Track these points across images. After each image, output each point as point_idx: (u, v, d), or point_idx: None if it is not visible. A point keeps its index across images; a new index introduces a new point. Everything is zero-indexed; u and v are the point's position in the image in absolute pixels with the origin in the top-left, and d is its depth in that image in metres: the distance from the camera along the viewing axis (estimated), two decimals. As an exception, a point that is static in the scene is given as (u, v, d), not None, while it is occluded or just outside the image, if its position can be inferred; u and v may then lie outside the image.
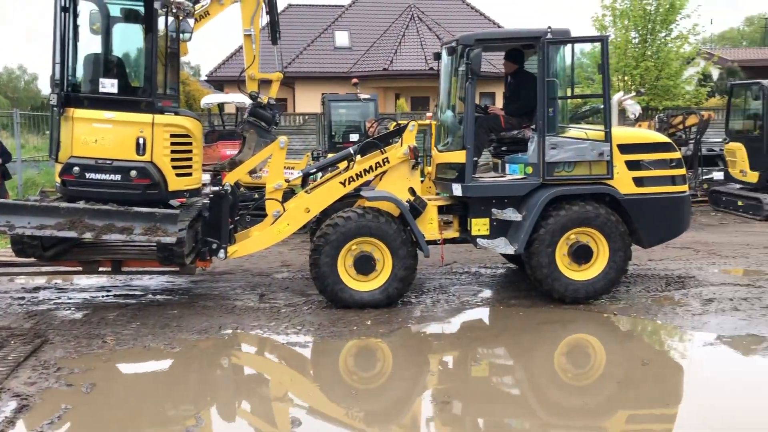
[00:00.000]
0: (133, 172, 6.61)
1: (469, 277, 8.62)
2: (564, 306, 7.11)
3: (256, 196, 10.51)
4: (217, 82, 28.69)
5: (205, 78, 31.32)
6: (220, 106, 17.96)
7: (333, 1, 32.88)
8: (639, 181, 7.27)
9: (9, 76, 68.11)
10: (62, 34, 6.59)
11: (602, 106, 7.39)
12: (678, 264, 9.06)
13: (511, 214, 7.19)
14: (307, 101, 26.02)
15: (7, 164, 11.80)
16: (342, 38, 29.11)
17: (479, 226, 7.33)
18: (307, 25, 30.71)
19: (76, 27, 6.71)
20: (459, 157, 7.28)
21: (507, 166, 7.64)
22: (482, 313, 7.27)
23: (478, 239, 7.33)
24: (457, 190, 7.30)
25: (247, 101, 8.19)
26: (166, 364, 5.81)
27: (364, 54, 28.03)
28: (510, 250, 7.15)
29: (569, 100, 8.64)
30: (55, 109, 6.64)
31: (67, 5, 6.59)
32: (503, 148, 8.00)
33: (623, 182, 7.20)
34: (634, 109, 15.31)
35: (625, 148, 7.24)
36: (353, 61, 27.79)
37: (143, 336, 6.25)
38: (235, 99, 15.82)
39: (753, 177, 13.59)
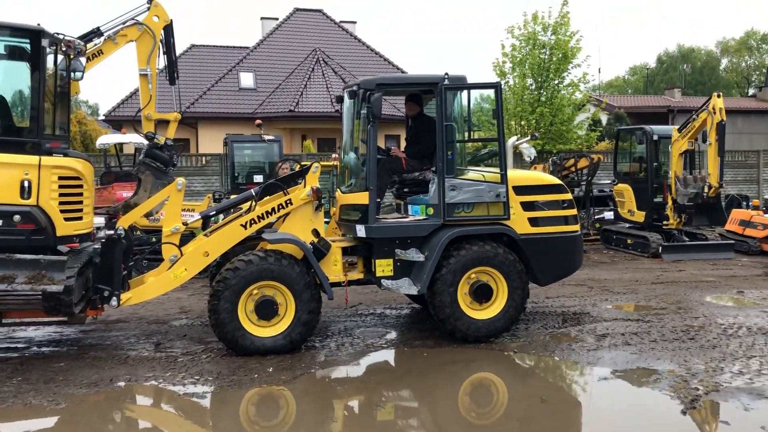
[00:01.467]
0: (17, 217, 6.22)
1: (374, 318, 8.60)
2: (467, 345, 7.20)
3: (153, 239, 10.17)
4: (116, 122, 27.75)
5: (103, 117, 30.26)
6: (118, 146, 17.35)
7: (237, 42, 32.77)
8: (534, 221, 7.54)
9: None
10: (-61, 71, 6.19)
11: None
12: (573, 301, 9.41)
13: (413, 255, 7.26)
14: (211, 142, 25.59)
15: None
16: (247, 79, 28.97)
17: (383, 266, 7.35)
18: (211, 65, 30.43)
19: (-46, 63, 6.31)
20: (362, 198, 7.32)
21: (409, 207, 7.75)
22: (387, 355, 7.24)
23: (382, 280, 7.34)
24: (360, 231, 7.31)
25: (145, 141, 7.94)
26: (51, 422, 5.39)
27: (270, 95, 27.99)
28: (413, 290, 7.21)
29: (469, 143, 8.92)
30: (-72, 149, 6.18)
31: (-54, 41, 6.20)
32: (405, 190, 8.12)
33: (519, 222, 7.45)
34: (529, 152, 15.99)
35: (520, 190, 7.51)
36: (258, 103, 27.68)
37: (24, 392, 5.80)
38: (133, 139, 15.31)
39: (640, 216, 14.45)
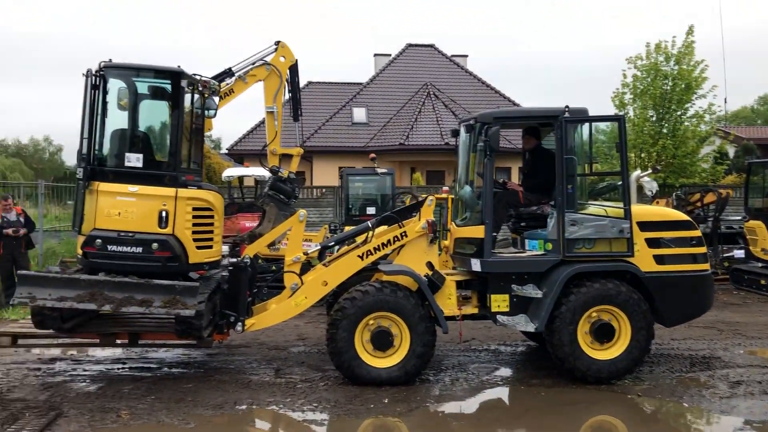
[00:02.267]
0: (155, 245, 6.66)
1: (488, 354, 8.46)
2: (587, 386, 6.92)
3: (274, 268, 10.55)
4: (238, 155, 29.27)
5: (226, 151, 31.97)
6: (240, 178, 18.25)
7: (351, 78, 33.77)
8: (660, 259, 7.20)
9: (35, 148, 70.23)
10: (91, 111, 6.78)
11: (619, 183, 7.41)
12: (702, 344, 8.85)
13: (531, 291, 7.11)
14: (325, 174, 26.41)
15: (31, 234, 11.99)
16: (360, 114, 29.79)
17: (499, 302, 7.24)
18: (326, 101, 31.51)
19: (105, 103, 6.90)
20: (478, 232, 7.28)
21: (526, 241, 7.62)
22: (502, 393, 7.09)
23: (497, 316, 7.23)
24: (476, 265, 7.25)
25: (267, 174, 8.32)
26: (180, 441, 5.68)
27: (381, 129, 28.60)
28: (531, 327, 7.04)
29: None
30: (80, 182, 6.76)
31: (97, 83, 6.80)
32: (522, 224, 7.99)
33: (644, 260, 7.13)
34: (651, 186, 15.34)
35: (645, 226, 7.21)
36: (370, 136, 28.33)
37: (158, 411, 6.15)
38: (255, 172, 16.07)
39: (775, 256, 13.40)
